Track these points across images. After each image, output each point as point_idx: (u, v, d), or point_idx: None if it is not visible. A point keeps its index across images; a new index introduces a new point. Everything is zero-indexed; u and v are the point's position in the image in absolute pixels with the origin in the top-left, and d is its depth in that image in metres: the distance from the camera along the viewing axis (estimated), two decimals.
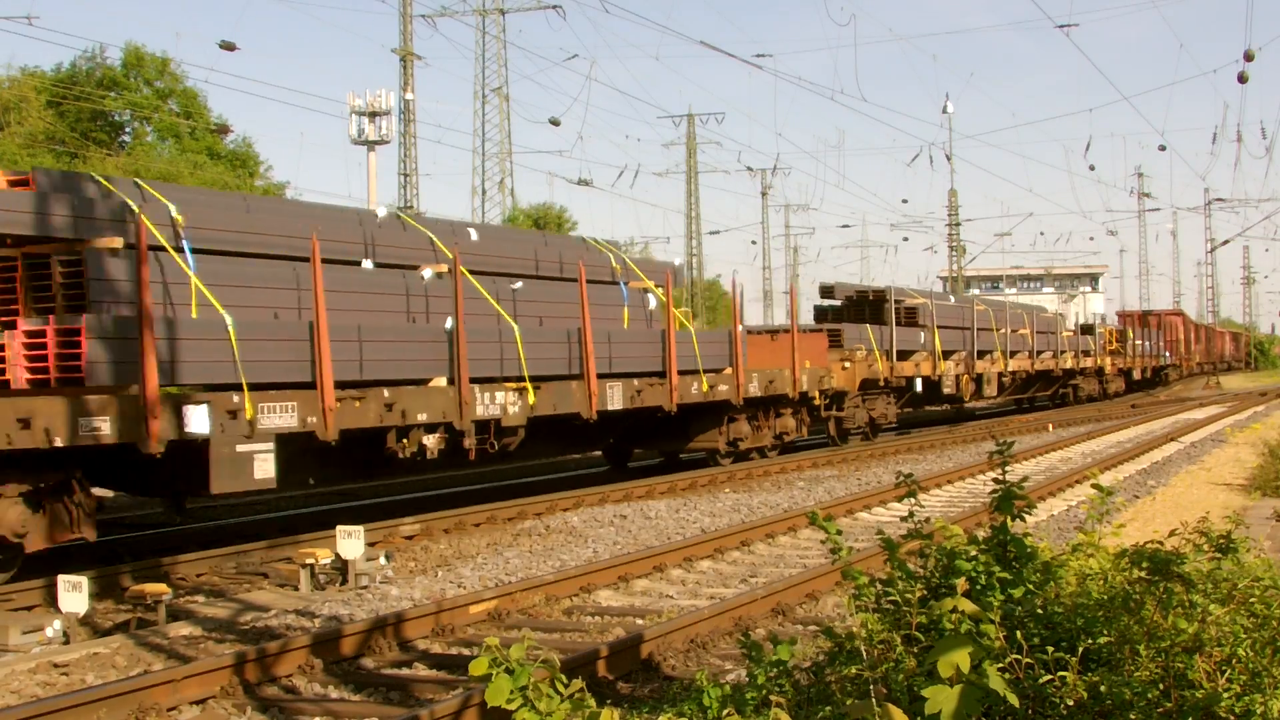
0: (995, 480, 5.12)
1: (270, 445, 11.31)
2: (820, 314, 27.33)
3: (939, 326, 28.32)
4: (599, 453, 21.65)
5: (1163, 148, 56.91)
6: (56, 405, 9.81)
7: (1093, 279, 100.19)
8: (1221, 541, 5.02)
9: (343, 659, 7.88)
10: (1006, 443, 5.46)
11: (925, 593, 4.64)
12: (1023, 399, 39.47)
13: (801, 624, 8.80)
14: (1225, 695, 3.89)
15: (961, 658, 3.39)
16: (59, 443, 9.77)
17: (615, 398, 16.33)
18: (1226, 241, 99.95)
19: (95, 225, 11.05)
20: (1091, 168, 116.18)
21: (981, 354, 30.91)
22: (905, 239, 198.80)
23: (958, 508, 14.88)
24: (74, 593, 8.95)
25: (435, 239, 14.79)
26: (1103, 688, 3.98)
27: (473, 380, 13.76)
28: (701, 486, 18.17)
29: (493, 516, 14.58)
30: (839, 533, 4.89)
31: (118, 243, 11.02)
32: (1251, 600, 4.51)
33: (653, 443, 20.37)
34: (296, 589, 10.47)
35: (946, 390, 28.95)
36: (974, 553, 4.83)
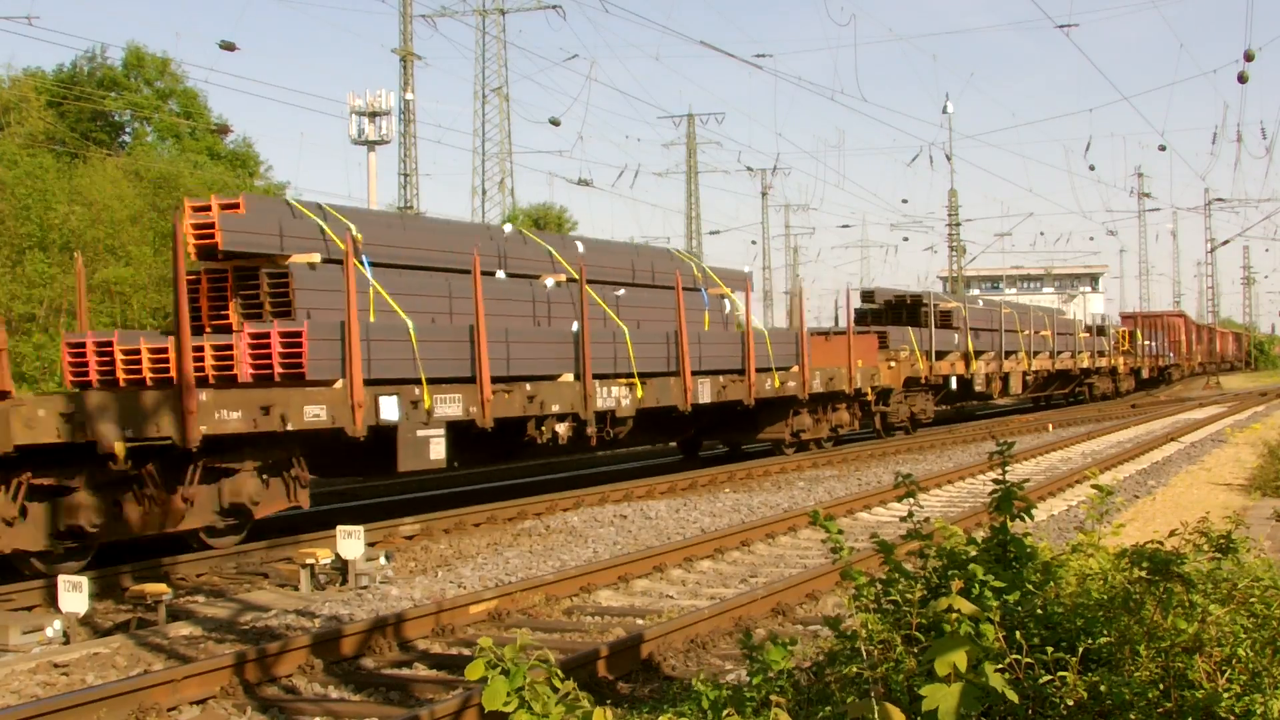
0: (995, 481, 5.12)
1: (443, 431, 13.53)
2: (860, 316, 28.86)
3: (971, 329, 30.63)
4: (601, 452, 21.74)
5: (1163, 148, 56.85)
6: (289, 395, 11.91)
7: (1093, 279, 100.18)
8: (1221, 541, 5.02)
9: (343, 659, 7.88)
10: (1006, 443, 5.46)
11: (925, 593, 4.64)
12: (1040, 397, 41.23)
13: (801, 624, 8.80)
14: (1225, 695, 3.89)
15: (959, 657, 3.39)
16: (290, 427, 11.79)
17: (704, 392, 18.49)
18: (1226, 241, 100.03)
19: (295, 242, 13.15)
20: (1091, 168, 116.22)
21: (1008, 354, 33.02)
22: (905, 239, 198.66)
23: (958, 508, 14.88)
24: (74, 593, 8.95)
25: (553, 251, 17.15)
26: (1103, 688, 3.98)
27: (594, 376, 15.93)
28: (701, 486, 18.17)
29: (493, 516, 14.59)
30: (840, 533, 4.89)
31: (316, 257, 13.22)
32: (1251, 600, 4.50)
33: (727, 434, 22.37)
34: (296, 589, 10.47)
35: (978, 388, 31.11)
36: (973, 553, 4.83)
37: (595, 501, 16.16)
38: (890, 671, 4.28)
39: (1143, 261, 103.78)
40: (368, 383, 12.60)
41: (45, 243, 32.13)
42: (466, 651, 8.06)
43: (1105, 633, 4.36)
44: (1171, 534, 5.18)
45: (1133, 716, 3.93)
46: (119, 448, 10.38)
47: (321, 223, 13.54)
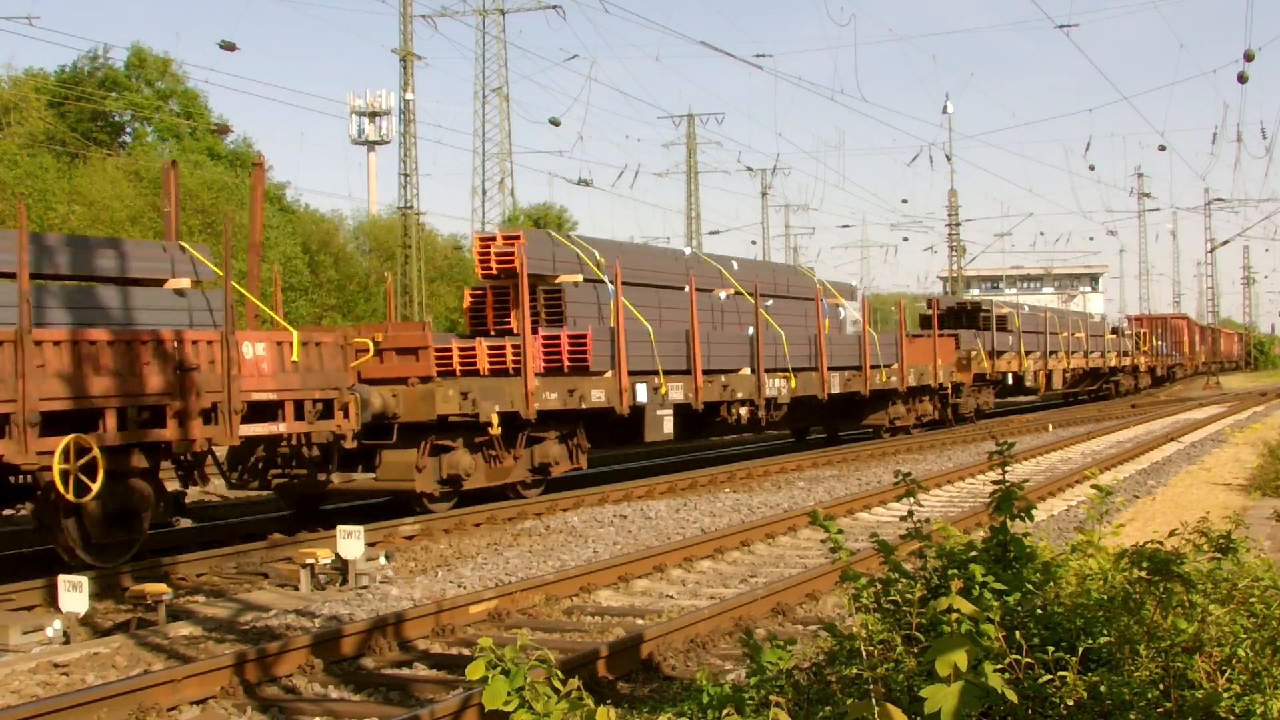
0: (995, 481, 5.12)
1: (672, 411, 18.18)
2: (924, 321, 32.39)
3: (1023, 331, 34.90)
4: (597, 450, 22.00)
5: (1163, 148, 56.76)
6: (585, 382, 16.44)
7: (1093, 279, 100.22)
8: (1221, 541, 5.02)
9: (343, 659, 7.88)
10: (1006, 443, 5.46)
11: (925, 593, 4.64)
12: (1075, 392, 45.24)
13: (801, 624, 8.80)
14: (1225, 695, 3.89)
15: (960, 657, 3.39)
16: (583, 406, 16.28)
17: (835, 384, 23.12)
18: (1226, 241, 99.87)
19: (563, 266, 17.63)
20: (1091, 168, 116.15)
21: (1051, 353, 37.49)
22: (905, 239, 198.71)
23: (958, 508, 14.88)
24: (74, 592, 8.94)
25: (723, 270, 21.55)
26: (1103, 688, 3.98)
27: (769, 371, 20.81)
28: (701, 486, 18.18)
29: (493, 516, 14.59)
30: (839, 532, 4.89)
31: (579, 277, 17.75)
32: (1251, 600, 4.50)
33: (841, 420, 26.42)
34: (297, 589, 10.47)
35: (1028, 383, 35.66)
36: (973, 553, 4.83)
37: (595, 501, 16.17)
38: (890, 672, 4.28)
39: (1143, 261, 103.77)
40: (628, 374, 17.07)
41: None
42: (466, 651, 8.05)
43: (1105, 633, 4.36)
44: (1171, 534, 5.17)
45: (1133, 716, 3.93)
46: (495, 418, 14.71)
47: (578, 250, 17.98)
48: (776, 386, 21.02)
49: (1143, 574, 4.44)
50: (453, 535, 13.60)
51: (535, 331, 16.43)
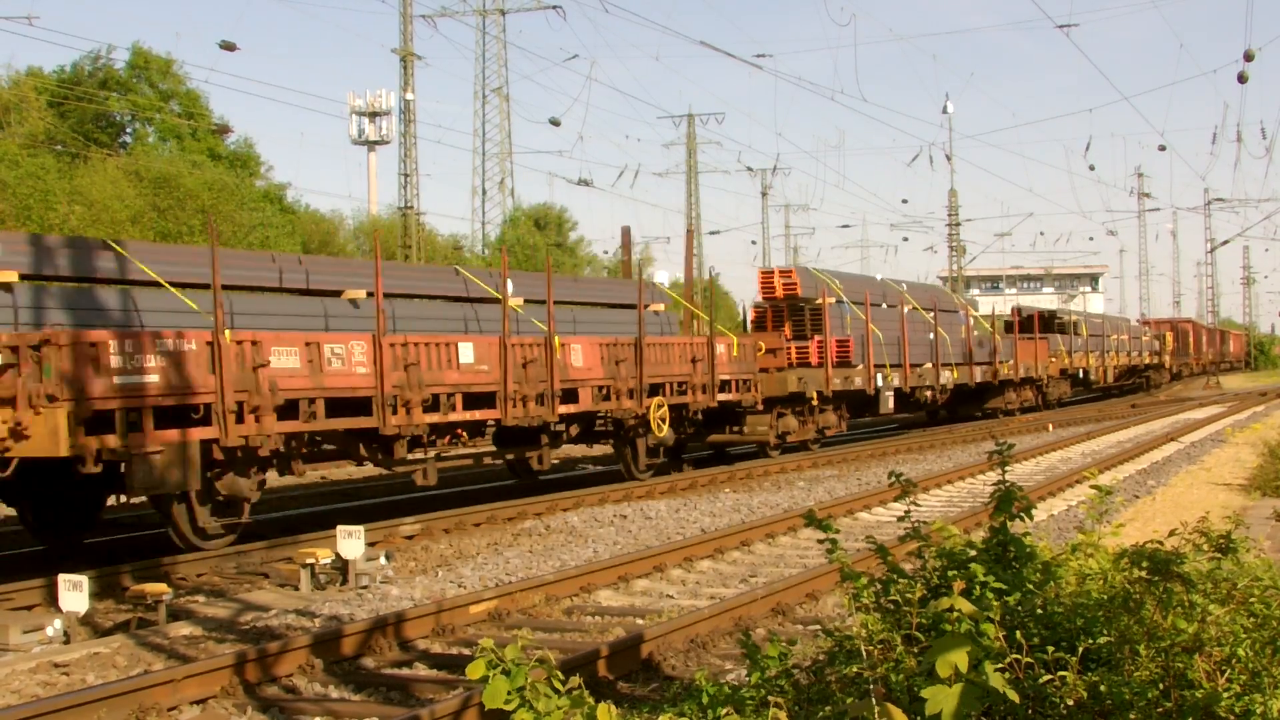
0: (995, 482, 5.12)
1: (892, 393, 25.59)
2: (1007, 326, 36.80)
3: (1089, 335, 43.21)
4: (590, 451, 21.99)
5: (1163, 148, 56.77)
6: (853, 371, 23.80)
7: (1093, 279, 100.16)
8: (1221, 541, 5.02)
9: (343, 659, 7.88)
10: (1006, 444, 5.46)
11: (925, 593, 4.64)
12: (1118, 385, 52.29)
13: (801, 624, 8.80)
14: (1225, 695, 3.89)
15: (960, 657, 3.39)
16: (849, 388, 23.67)
17: (978, 375, 31.05)
18: (1226, 241, 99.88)
19: (818, 291, 24.07)
20: (1091, 168, 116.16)
21: (1105, 352, 45.48)
22: (905, 239, 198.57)
23: (957, 508, 14.87)
24: (74, 592, 8.95)
25: (903, 290, 28.27)
26: (1103, 687, 3.98)
27: (943, 365, 28.40)
28: (701, 486, 18.18)
29: (493, 516, 14.59)
30: (836, 532, 4.89)
31: (832, 300, 24.00)
32: (1251, 600, 4.50)
33: (967, 406, 33.61)
34: (297, 589, 10.48)
35: (1092, 378, 43.79)
36: (973, 553, 4.83)
37: (595, 501, 16.17)
38: (890, 671, 4.28)
39: (1143, 262, 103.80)
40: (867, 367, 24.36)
41: None
42: (467, 651, 8.06)
43: (1105, 633, 4.36)
44: (1171, 534, 5.18)
45: (1133, 716, 3.93)
46: (815, 395, 22.25)
47: (827, 280, 24.77)
48: (946, 376, 28.57)
49: (1143, 574, 4.44)
50: (453, 535, 13.61)
51: (810, 338, 23.33)
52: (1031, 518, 5.20)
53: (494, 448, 16.30)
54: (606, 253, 68.23)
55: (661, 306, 20.82)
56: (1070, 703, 3.98)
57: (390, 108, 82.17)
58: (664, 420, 17.74)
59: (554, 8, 46.84)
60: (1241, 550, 5.05)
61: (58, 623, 8.67)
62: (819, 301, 23.70)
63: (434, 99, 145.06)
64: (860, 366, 23.93)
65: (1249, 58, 24.19)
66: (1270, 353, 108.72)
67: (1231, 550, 4.98)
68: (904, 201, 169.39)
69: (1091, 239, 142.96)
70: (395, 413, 13.07)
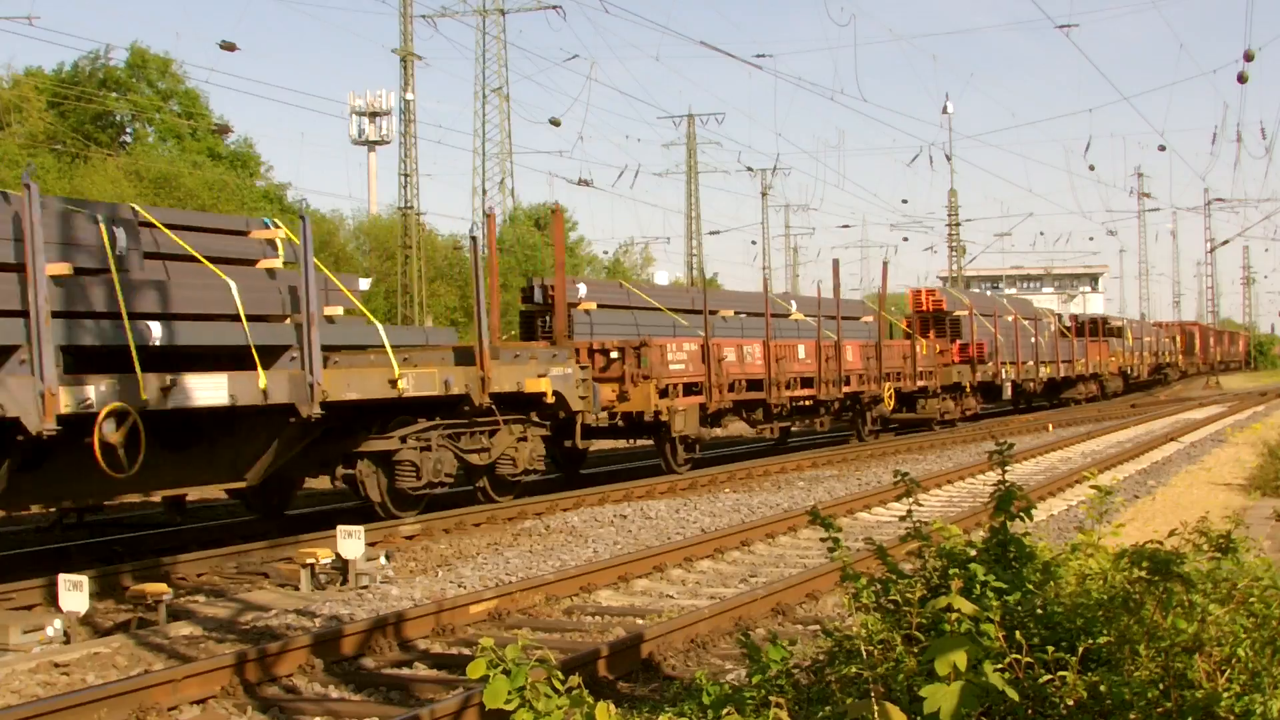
0: (996, 482, 5.12)
1: (1010, 383, 33.69)
2: (1063, 332, 42.38)
3: (1132, 338, 51.60)
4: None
5: (1163, 148, 56.94)
6: (985, 366, 31.46)
7: (1092, 279, 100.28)
8: (1221, 541, 5.02)
9: (343, 659, 7.88)
10: (1006, 443, 5.46)
11: (926, 592, 4.64)
12: (1148, 380, 58.19)
13: (801, 624, 8.80)
14: (1225, 695, 3.89)
15: (959, 657, 3.40)
16: (984, 380, 31.92)
17: (1062, 370, 39.05)
18: (1226, 241, 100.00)
19: (955, 306, 32.15)
20: (1091, 168, 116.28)
21: (1141, 352, 52.89)
22: (905, 239, 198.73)
23: (957, 508, 14.87)
24: (74, 592, 8.95)
25: (1005, 301, 35.73)
26: (1103, 687, 3.99)
27: (1040, 362, 36.20)
28: (701, 486, 18.18)
29: (493, 516, 14.59)
30: (839, 531, 4.89)
31: (968, 311, 31.63)
32: (1251, 600, 4.50)
33: (1052, 395, 41.08)
34: (297, 589, 10.47)
35: (1133, 375, 51.21)
36: (973, 553, 4.83)
37: (595, 501, 16.17)
38: (890, 671, 4.28)
39: (1142, 262, 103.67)
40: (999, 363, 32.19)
41: None
42: (467, 651, 8.05)
43: (1105, 633, 4.36)
44: (1171, 534, 5.18)
45: (1133, 716, 3.93)
46: (969, 385, 30.02)
47: (959, 295, 32.14)
48: (1042, 371, 36.56)
49: (1143, 574, 4.44)
50: (453, 535, 13.60)
51: (952, 342, 30.63)
52: (1031, 518, 5.20)
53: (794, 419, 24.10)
54: (606, 253, 68.26)
55: (870, 318, 28.25)
56: (1070, 703, 3.98)
57: (390, 108, 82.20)
58: (892, 398, 26.16)
59: (554, 8, 46.84)
60: (1241, 550, 5.05)
61: (58, 623, 8.67)
62: (958, 314, 31.76)
63: (434, 99, 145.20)
64: (990, 364, 31.96)
65: (1249, 58, 24.18)
66: (1270, 353, 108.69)
67: (1231, 550, 4.98)
68: (904, 201, 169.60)
69: (1091, 239, 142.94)
70: (774, 390, 21.71)
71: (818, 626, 8.23)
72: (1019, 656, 4.01)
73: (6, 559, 12.08)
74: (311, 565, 10.50)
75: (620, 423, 18.74)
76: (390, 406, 13.64)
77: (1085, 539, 5.69)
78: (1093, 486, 6.48)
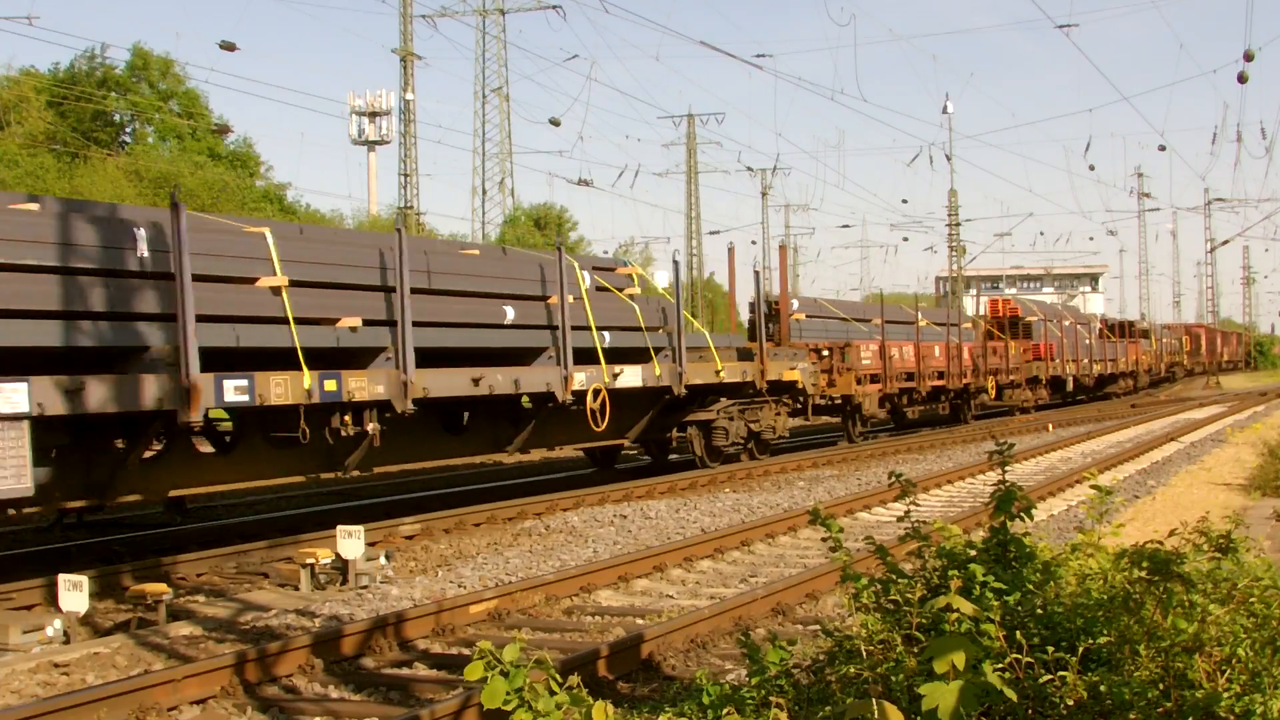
0: (996, 482, 5.12)
1: (1071, 377, 40.71)
2: (1107, 334, 47.96)
3: (1155, 338, 58.16)
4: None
5: (1163, 148, 56.97)
6: (1051, 363, 38.94)
7: (1093, 279, 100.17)
8: (1221, 541, 5.01)
9: (343, 659, 7.88)
10: (1006, 443, 5.46)
11: (926, 592, 4.64)
12: (1163, 377, 63.11)
13: (801, 624, 8.80)
14: (1225, 695, 3.89)
15: (959, 657, 3.39)
16: (1056, 375, 39.58)
17: (1107, 369, 45.53)
18: (1226, 241, 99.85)
19: (1026, 312, 40.69)
20: (1091, 168, 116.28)
21: (1161, 352, 58.64)
22: (905, 239, 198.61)
23: (957, 508, 14.87)
24: (74, 592, 8.95)
25: (1060, 308, 46.08)
26: (1103, 687, 3.98)
27: (1092, 360, 43.91)
28: (701, 486, 18.18)
29: (493, 516, 14.59)
30: (840, 530, 4.89)
31: (1037, 317, 39.86)
32: (1251, 600, 4.49)
33: (1099, 389, 46.75)
34: (297, 589, 10.47)
35: (1156, 372, 56.62)
36: (973, 553, 4.83)
37: (595, 501, 16.17)
38: (890, 671, 4.27)
39: (1142, 261, 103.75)
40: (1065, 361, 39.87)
41: None
42: (467, 651, 8.05)
43: (1105, 633, 4.35)
44: (1171, 534, 5.17)
45: (1133, 716, 3.93)
46: (1070, 379, 40.57)
47: (1032, 302, 41.74)
48: (1095, 368, 43.60)
49: (1143, 574, 4.43)
50: (453, 535, 13.61)
51: (1024, 343, 36.53)
52: (1031, 518, 5.20)
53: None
54: (606, 253, 68.16)
55: (969, 325, 34.29)
56: (1070, 703, 3.98)
57: (390, 108, 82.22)
58: (995, 388, 32.92)
59: (554, 8, 46.88)
60: (1241, 550, 5.04)
61: (58, 623, 8.67)
62: (1030, 319, 38.75)
63: (434, 99, 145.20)
64: (1057, 361, 38.59)
65: (1249, 58, 24.18)
66: (1270, 353, 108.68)
67: (1231, 550, 4.97)
68: (904, 201, 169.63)
69: (1091, 239, 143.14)
70: (922, 380, 28.34)
71: (818, 626, 8.22)
72: (1019, 656, 4.01)
73: (6, 559, 12.08)
74: (311, 565, 10.50)
75: (826, 403, 25.27)
76: (707, 390, 19.12)
77: (1085, 539, 5.68)
78: (1093, 486, 6.47)
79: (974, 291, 74.71)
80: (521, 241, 53.68)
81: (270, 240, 11.70)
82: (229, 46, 29.90)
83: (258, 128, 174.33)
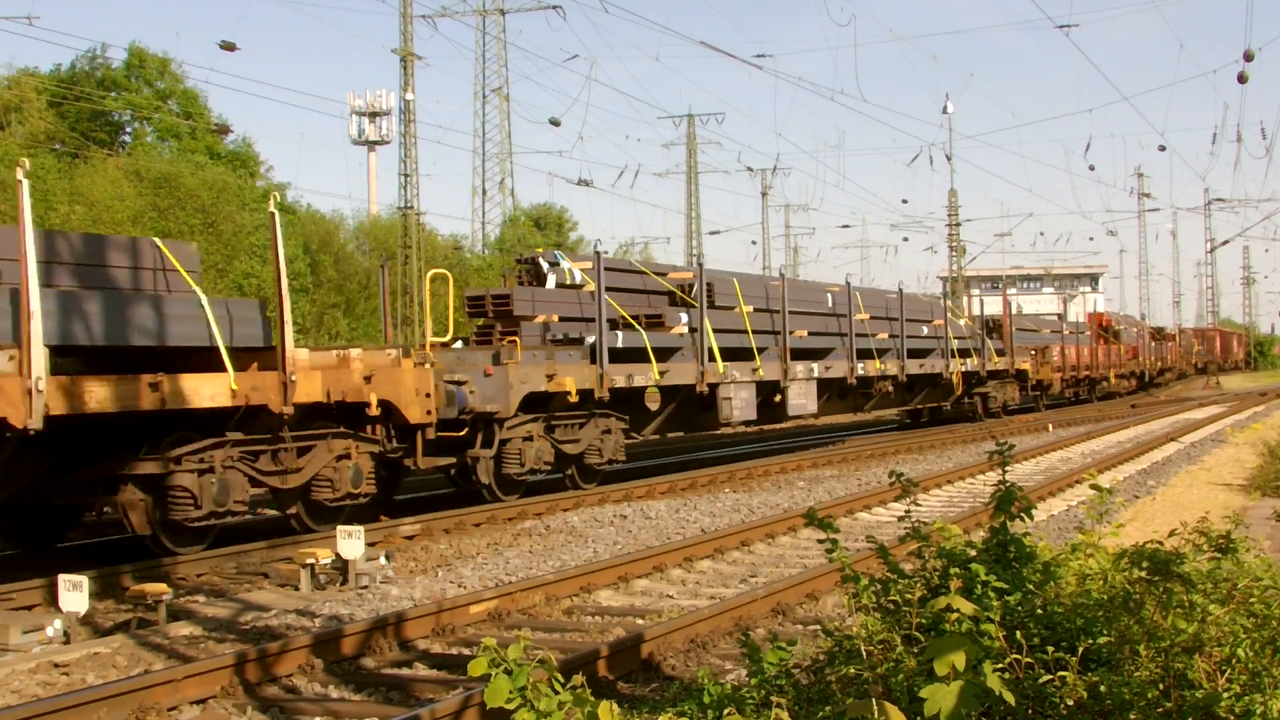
0: (996, 482, 5.12)
1: (1145, 371, 56.47)
2: (1154, 337, 57.28)
3: (1177, 341, 66.66)
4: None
5: (1163, 148, 57.05)
6: (1139, 363, 54.18)
7: (1093, 279, 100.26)
8: (1221, 541, 5.02)
9: (343, 659, 7.88)
10: (1006, 444, 5.46)
11: (926, 593, 4.64)
12: (1181, 372, 69.66)
13: (801, 624, 8.80)
14: (1225, 695, 3.89)
15: (959, 657, 3.39)
16: (1125, 372, 51.97)
17: (1157, 365, 56.73)
18: (1226, 241, 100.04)
19: (1116, 323, 52.81)
20: (1091, 168, 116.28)
21: (1183, 352, 67.59)
22: (905, 239, 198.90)
23: (957, 508, 14.87)
24: (74, 592, 8.95)
25: (1127, 316, 63.06)
26: (1103, 688, 3.98)
27: (1152, 359, 56.93)
28: (701, 486, 18.18)
29: (493, 516, 14.59)
30: (837, 532, 4.89)
31: (1121, 327, 51.23)
32: (1251, 600, 4.50)
33: (1165, 380, 59.76)
34: (297, 589, 10.47)
35: (1178, 369, 63.76)
36: (973, 553, 4.83)
37: (595, 501, 16.17)
38: (890, 671, 4.28)
39: (1143, 262, 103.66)
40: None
41: None
42: (467, 651, 8.06)
43: (1105, 633, 4.36)
44: (1171, 534, 5.18)
45: (1133, 716, 3.93)
46: (1112, 375, 48.26)
47: (1119, 316, 54.56)
48: (1156, 365, 53.07)
49: (1143, 574, 4.44)
50: (453, 535, 13.61)
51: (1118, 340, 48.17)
52: (1031, 518, 5.20)
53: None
54: (606, 253, 67.85)
55: (1088, 331, 45.01)
56: (1070, 703, 3.98)
57: (390, 108, 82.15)
58: (1117, 379, 42.44)
59: (554, 8, 46.89)
60: (1241, 550, 5.05)
61: (58, 623, 8.67)
62: (1119, 327, 49.08)
63: (434, 99, 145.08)
64: (1139, 359, 49.38)
65: (1249, 58, 24.17)
66: (1270, 353, 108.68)
67: (1231, 550, 4.98)
68: (904, 202, 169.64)
69: (1091, 239, 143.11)
70: (1071, 374, 41.11)
71: (818, 626, 8.23)
72: (1019, 657, 4.01)
73: (6, 559, 12.09)
74: (311, 565, 10.50)
75: (1034, 383, 36.99)
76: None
77: (1085, 539, 5.69)
78: (1093, 486, 6.47)
79: (975, 292, 74.81)
80: (522, 241, 53.68)
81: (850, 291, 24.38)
82: (229, 46, 29.87)
83: (257, 128, 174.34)
